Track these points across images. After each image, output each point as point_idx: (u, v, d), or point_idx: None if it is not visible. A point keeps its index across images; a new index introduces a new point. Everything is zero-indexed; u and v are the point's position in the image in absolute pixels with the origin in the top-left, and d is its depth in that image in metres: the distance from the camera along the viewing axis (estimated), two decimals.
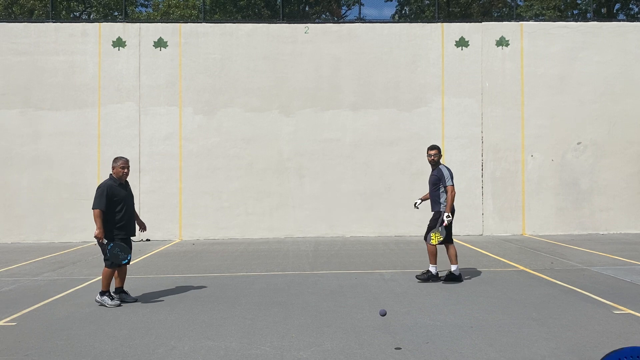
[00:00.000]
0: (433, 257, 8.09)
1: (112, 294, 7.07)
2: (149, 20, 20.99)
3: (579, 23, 15.28)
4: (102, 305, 6.84)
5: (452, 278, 8.07)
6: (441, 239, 7.95)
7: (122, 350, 5.08)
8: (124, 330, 5.76)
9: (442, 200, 8.05)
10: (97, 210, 6.78)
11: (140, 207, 14.34)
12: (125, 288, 7.24)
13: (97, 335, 5.56)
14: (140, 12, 30.08)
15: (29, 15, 26.40)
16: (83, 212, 14.15)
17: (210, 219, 14.45)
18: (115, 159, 7.17)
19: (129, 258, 6.89)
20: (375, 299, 7.05)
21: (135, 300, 7.13)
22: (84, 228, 14.12)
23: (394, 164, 14.67)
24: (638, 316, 6.08)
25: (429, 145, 8.52)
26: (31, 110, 14.39)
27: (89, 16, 28.34)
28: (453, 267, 8.08)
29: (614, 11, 26.65)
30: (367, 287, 7.82)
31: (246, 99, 14.67)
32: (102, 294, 6.92)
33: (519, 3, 27.39)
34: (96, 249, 12.62)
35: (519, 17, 21.25)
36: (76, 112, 14.44)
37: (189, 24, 14.97)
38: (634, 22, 15.37)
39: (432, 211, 8.20)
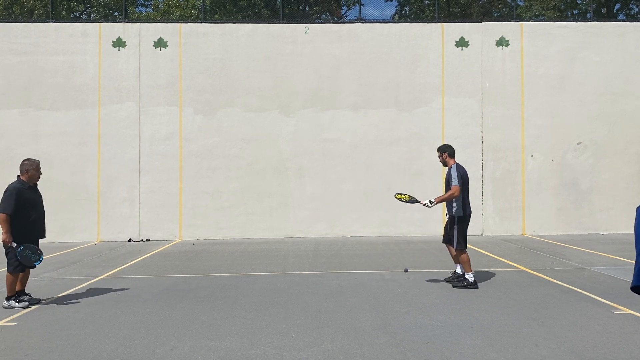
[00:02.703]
0: (467, 265, 7.67)
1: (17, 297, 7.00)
2: (149, 20, 20.99)
3: (579, 23, 15.28)
4: (9, 308, 6.75)
5: (466, 285, 7.62)
6: (403, 200, 7.86)
7: (122, 350, 5.08)
8: (124, 330, 5.76)
9: (453, 202, 7.70)
10: (3, 215, 6.62)
11: (141, 207, 14.35)
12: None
13: (97, 335, 5.56)
14: (140, 12, 30.09)
15: (29, 15, 26.40)
16: (83, 212, 14.17)
17: (210, 219, 14.45)
18: (28, 162, 6.97)
19: (40, 259, 6.77)
20: (375, 299, 7.05)
21: (39, 301, 7.00)
22: (84, 228, 14.14)
23: (394, 164, 14.67)
24: (638, 316, 6.08)
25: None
26: (31, 110, 14.39)
27: (89, 16, 28.34)
28: (467, 274, 7.71)
29: (614, 11, 26.66)
30: (367, 287, 7.82)
31: (246, 99, 14.67)
32: (8, 299, 6.81)
33: (519, 3, 27.39)
34: (94, 249, 12.63)
35: (519, 17, 21.26)
36: (76, 112, 14.44)
37: (189, 24, 14.97)
38: (634, 22, 15.37)
39: (446, 214, 7.99)
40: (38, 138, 14.35)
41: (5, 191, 6.78)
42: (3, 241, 6.65)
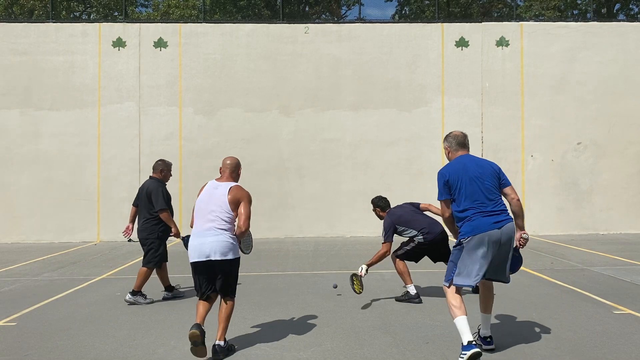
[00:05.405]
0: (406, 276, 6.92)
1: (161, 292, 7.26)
2: (149, 20, 20.98)
3: (579, 23, 15.28)
4: (134, 304, 6.86)
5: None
6: (358, 289, 6.83)
7: (122, 350, 5.08)
8: (124, 330, 5.76)
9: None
10: (166, 213, 7.05)
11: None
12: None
13: (97, 335, 5.56)
14: (140, 12, 30.08)
15: (29, 15, 26.39)
16: (83, 212, 14.16)
17: None
18: (162, 163, 7.48)
19: None
20: (375, 299, 7.05)
21: (183, 294, 7.34)
22: (84, 228, 14.13)
23: (394, 164, 14.67)
24: (638, 316, 6.08)
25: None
26: (31, 110, 14.39)
27: (89, 16, 28.33)
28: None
29: (614, 11, 26.64)
30: (367, 287, 7.81)
31: (246, 99, 14.67)
32: (134, 293, 6.93)
33: (519, 3, 27.39)
34: (94, 249, 12.63)
35: (519, 18, 21.25)
36: (76, 112, 14.43)
37: (189, 24, 14.98)
38: (634, 22, 15.38)
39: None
40: (38, 138, 14.35)
41: (150, 190, 7.15)
42: (174, 234, 7.01)
